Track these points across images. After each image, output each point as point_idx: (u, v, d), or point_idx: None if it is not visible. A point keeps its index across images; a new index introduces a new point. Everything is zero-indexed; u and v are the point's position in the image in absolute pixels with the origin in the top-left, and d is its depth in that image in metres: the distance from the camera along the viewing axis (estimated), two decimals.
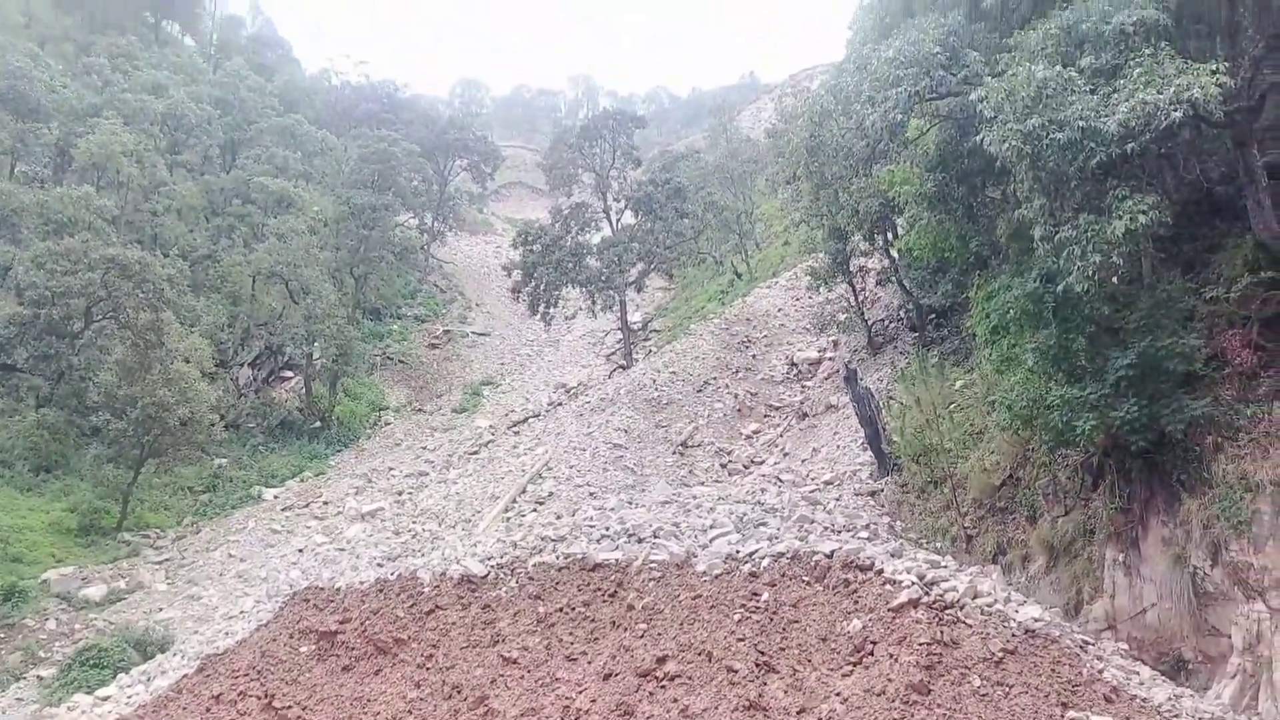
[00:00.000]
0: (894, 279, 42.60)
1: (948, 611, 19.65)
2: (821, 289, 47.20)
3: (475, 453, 51.87)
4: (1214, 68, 18.21)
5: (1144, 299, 20.49)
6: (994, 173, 23.63)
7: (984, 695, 17.72)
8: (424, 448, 56.06)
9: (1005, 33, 23.89)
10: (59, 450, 46.48)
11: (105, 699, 28.26)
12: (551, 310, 62.25)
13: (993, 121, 20.11)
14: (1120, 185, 18.94)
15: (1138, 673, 18.93)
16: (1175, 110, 17.72)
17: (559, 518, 32.29)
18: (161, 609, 36.15)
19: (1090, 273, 18.76)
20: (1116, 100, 18.51)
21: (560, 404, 58.09)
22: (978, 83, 22.05)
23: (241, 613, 32.52)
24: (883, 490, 31.57)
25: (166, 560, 41.85)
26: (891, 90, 24.31)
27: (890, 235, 41.60)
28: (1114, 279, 19.29)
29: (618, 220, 65.79)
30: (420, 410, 64.80)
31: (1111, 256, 18.51)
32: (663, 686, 20.15)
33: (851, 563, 21.93)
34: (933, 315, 40.00)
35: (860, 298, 45.78)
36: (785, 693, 18.92)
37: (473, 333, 78.30)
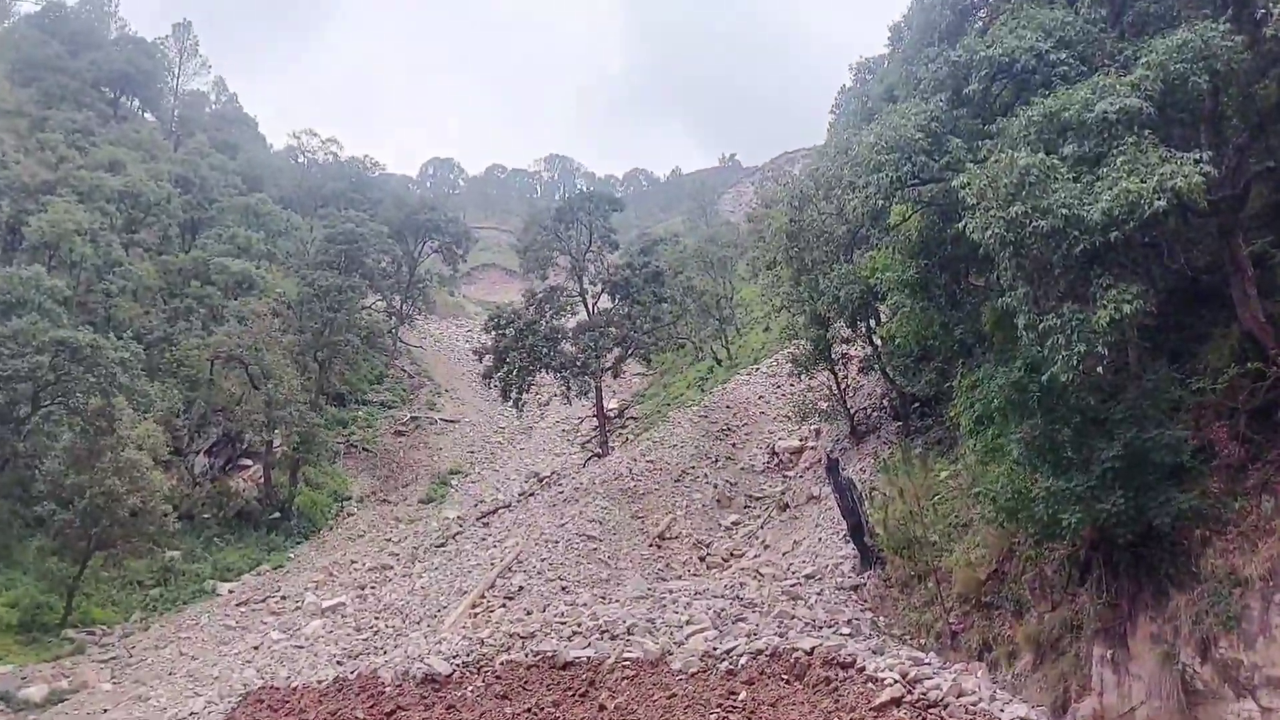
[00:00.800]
0: (877, 367, 43.08)
1: (931, 711, 19.62)
2: (803, 376, 47.60)
3: (442, 545, 51.40)
4: (1198, 156, 18.78)
5: (1130, 389, 20.87)
6: (977, 260, 24.18)
7: None
8: (388, 540, 55.54)
9: (987, 119, 24.62)
10: (0, 542, 45.71)
11: None
12: (524, 396, 62.32)
13: (975, 208, 20.61)
14: (1104, 274, 19.35)
15: None
16: (1159, 199, 18.18)
17: (529, 613, 32.04)
18: (106, 710, 35.24)
19: (1075, 362, 19.08)
20: (1100, 188, 19.06)
21: (532, 494, 57.82)
22: (960, 169, 22.62)
23: (191, 714, 31.82)
24: (865, 584, 31.57)
25: (113, 659, 40.94)
26: (873, 175, 24.95)
27: (873, 322, 42.16)
28: (1099, 369, 19.66)
29: (594, 304, 66.32)
30: (385, 500, 64.33)
31: (1096, 346, 18.85)
32: None
33: (833, 660, 21.90)
34: (916, 404, 40.38)
35: (842, 386, 46.17)
36: None
37: (441, 419, 78.16)
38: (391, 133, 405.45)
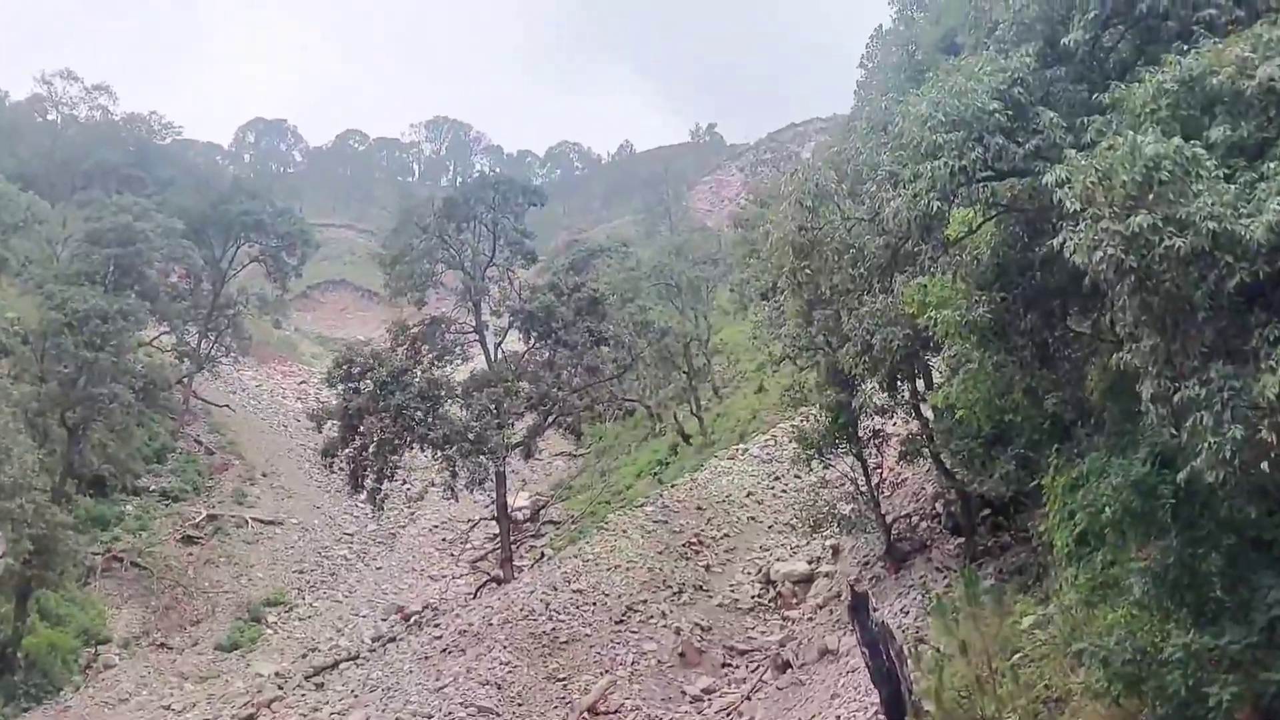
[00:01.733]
0: (927, 452, 43.07)
1: None
2: (815, 464, 47.53)
3: (251, 718, 50.50)
4: None
5: None
6: (1080, 294, 24.19)
7: None
8: (167, 709, 54.44)
9: (1097, 84, 24.73)
10: None
11: None
12: (386, 487, 61.75)
13: (1079, 217, 20.64)
14: (1274, 321, 19.39)
15: None
16: None
17: None
18: None
19: (1228, 454, 18.99)
20: (1265, 193, 19.15)
21: (395, 639, 57.10)
22: (1055, 157, 22.66)
23: None
24: None
25: None
26: (926, 164, 24.91)
27: (921, 384, 42.14)
28: (1265, 464, 19.64)
29: (498, 346, 66.11)
30: (164, 645, 63.12)
31: (1260, 430, 18.83)
32: None
33: None
34: (987, 511, 40.36)
35: (875, 480, 46.12)
36: None
37: (255, 520, 77.16)
38: (199, 84, 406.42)
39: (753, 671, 45.14)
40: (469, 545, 72.29)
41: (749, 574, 52.20)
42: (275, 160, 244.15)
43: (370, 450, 60.30)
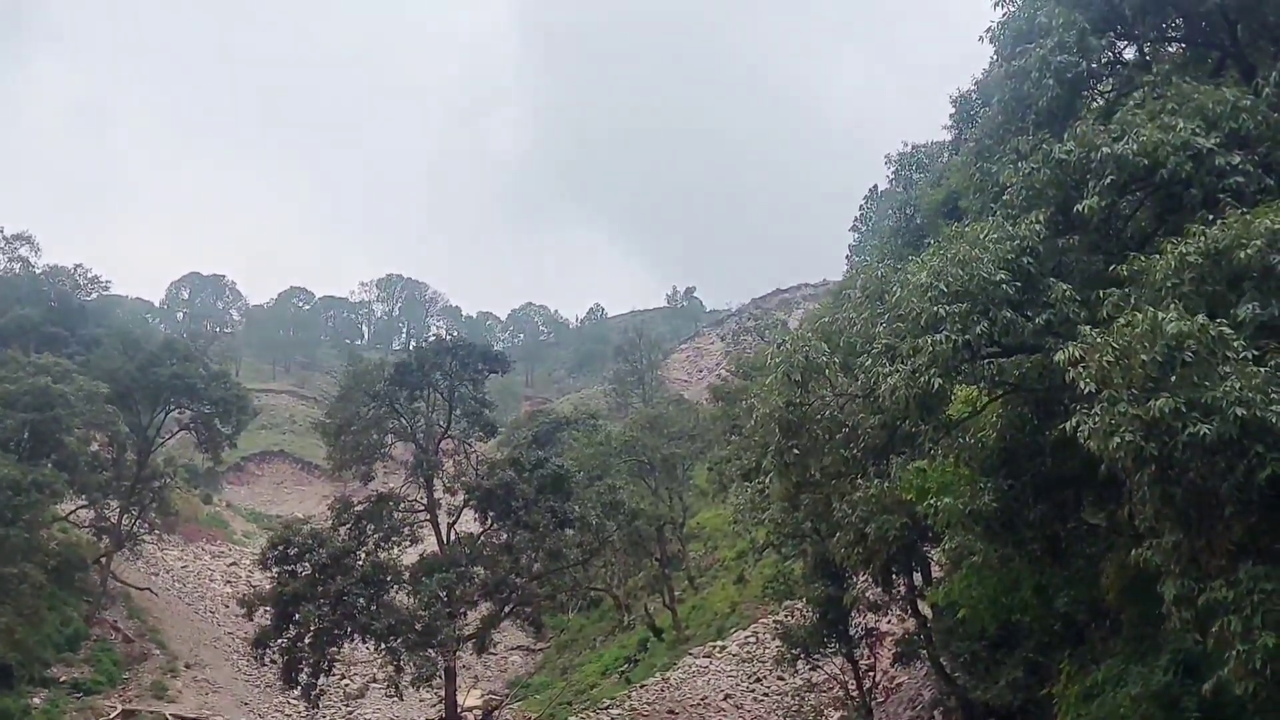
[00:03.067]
0: (925, 655, 42.78)
1: None
2: (800, 665, 47.17)
3: None
4: None
5: None
6: (1096, 484, 24.21)
7: None
8: None
9: (1113, 255, 25.00)
10: None
11: None
12: (323, 682, 60.88)
13: (1094, 399, 20.72)
14: None
15: None
16: None
17: None
18: None
19: (1259, 663, 18.90)
20: None
21: None
22: (1068, 333, 22.81)
23: None
24: None
25: None
26: (926, 338, 25.04)
27: (920, 578, 41.97)
28: None
29: (451, 526, 65.71)
30: None
31: None
32: None
33: None
34: None
35: (868, 684, 45.73)
36: None
37: (175, 716, 75.91)
38: (128, 236, 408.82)
39: None
40: None
41: None
42: (211, 319, 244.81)
43: (306, 641, 59.50)
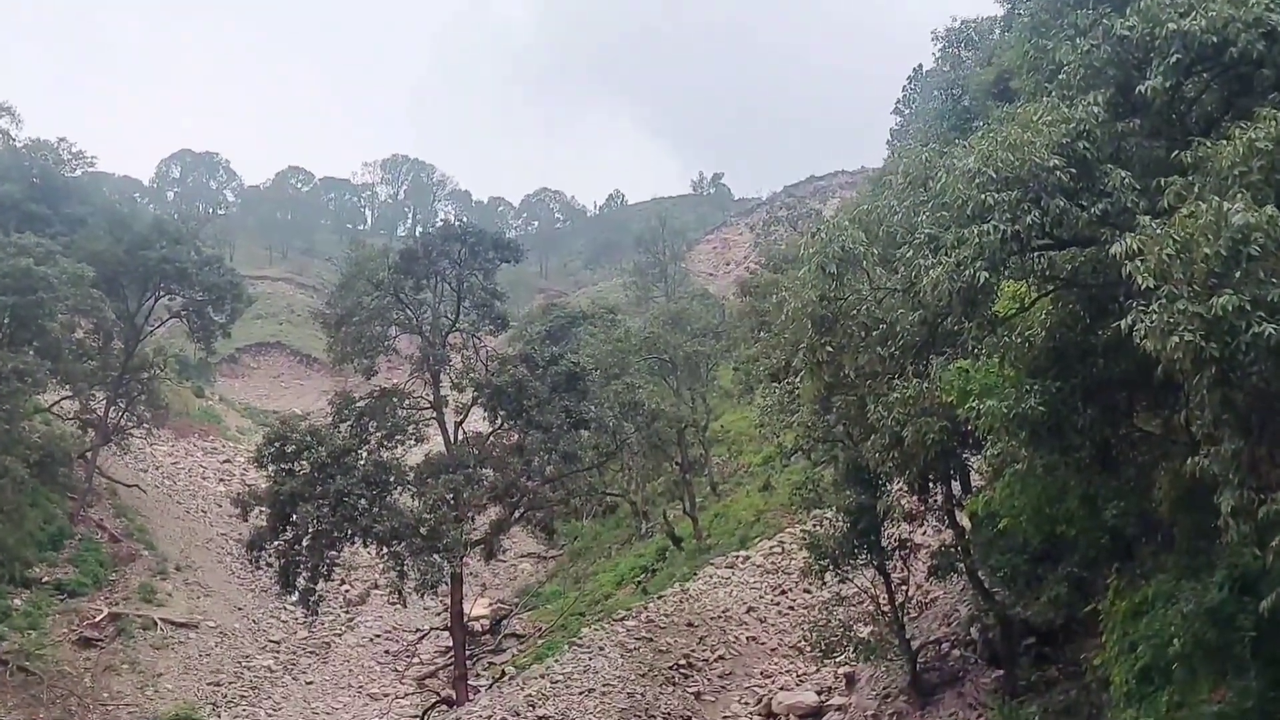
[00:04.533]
0: (962, 567, 42.91)
1: None
2: (828, 577, 47.31)
3: None
4: None
5: None
6: (1151, 387, 24.16)
7: None
8: None
9: (1177, 140, 24.79)
10: None
11: None
12: (322, 587, 61.34)
13: (1151, 296, 20.61)
14: None
15: None
16: None
17: None
18: None
19: None
20: None
21: None
22: (1126, 224, 22.68)
23: None
24: None
25: None
26: (973, 228, 24.93)
27: (958, 487, 42.01)
28: None
29: (459, 425, 65.90)
30: None
31: None
32: None
33: None
34: (1031, 640, 40.16)
35: (900, 598, 45.93)
36: None
37: (165, 620, 76.54)
38: (117, 109, 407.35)
39: None
40: (416, 659, 71.84)
41: (747, 704, 51.83)
42: (204, 199, 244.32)
43: (304, 544, 59.91)
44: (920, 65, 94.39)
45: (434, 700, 61.70)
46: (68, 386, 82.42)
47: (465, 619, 63.62)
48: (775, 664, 54.29)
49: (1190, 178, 22.62)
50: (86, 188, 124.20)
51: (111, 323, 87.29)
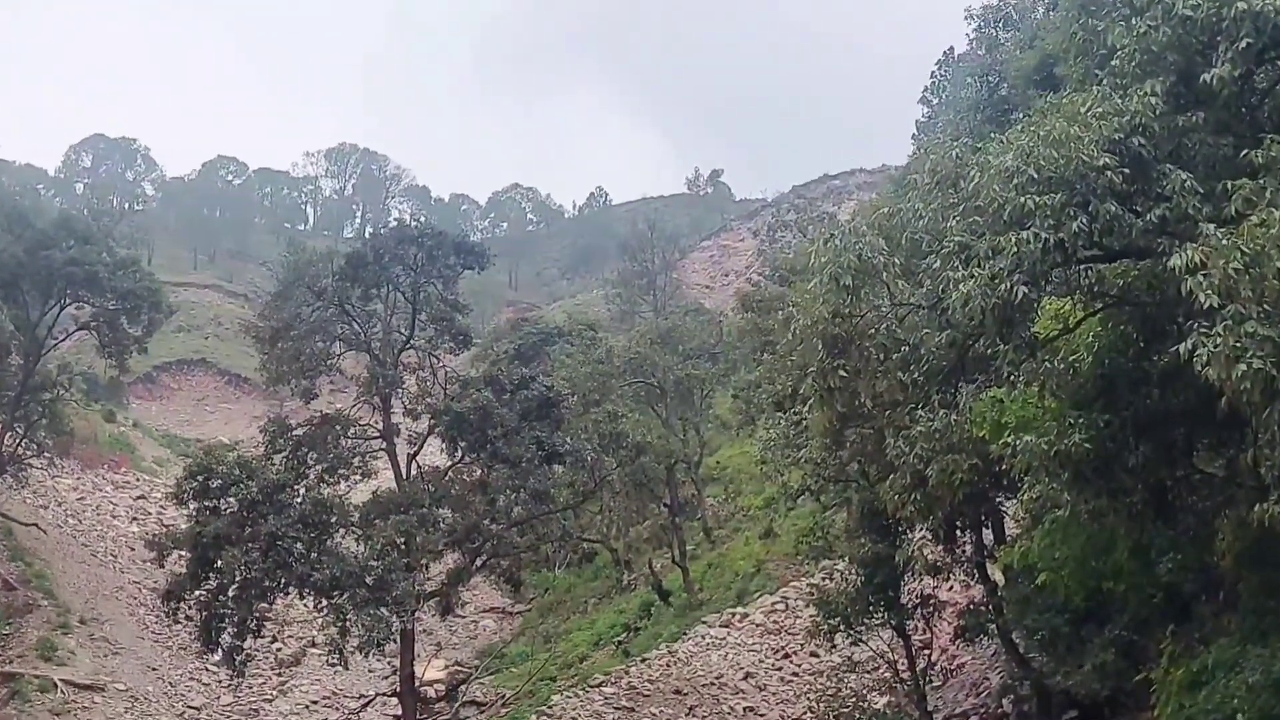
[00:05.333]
0: (994, 628, 43.05)
1: None
2: (839, 639, 47.49)
3: None
4: None
5: None
6: (1214, 422, 24.29)
7: None
8: None
9: (1246, 138, 24.97)
10: None
11: None
12: (249, 645, 61.34)
13: (1215, 316, 20.75)
14: None
15: None
16: None
17: None
18: None
19: None
20: None
21: None
22: (1187, 233, 22.86)
23: None
24: None
25: None
26: (1010, 235, 25.09)
27: (990, 536, 42.20)
28: None
29: (412, 458, 65.98)
30: None
31: None
32: None
33: None
34: (1074, 713, 40.29)
35: (922, 664, 46.09)
36: None
37: (66, 682, 76.56)
38: (20, 89, 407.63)
39: None
40: None
41: None
42: (119, 192, 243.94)
43: (230, 594, 59.76)
44: (951, 48, 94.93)
45: None
46: None
47: (417, 684, 63.57)
48: None
49: (1261, 180, 22.77)
50: None
51: (8, 334, 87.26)
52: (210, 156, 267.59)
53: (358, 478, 63.70)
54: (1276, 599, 22.35)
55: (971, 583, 43.85)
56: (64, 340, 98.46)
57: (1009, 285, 24.91)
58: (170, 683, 78.43)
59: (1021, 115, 30.01)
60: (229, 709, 75.85)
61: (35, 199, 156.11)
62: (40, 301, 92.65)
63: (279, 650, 75.16)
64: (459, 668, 77.72)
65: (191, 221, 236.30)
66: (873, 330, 32.54)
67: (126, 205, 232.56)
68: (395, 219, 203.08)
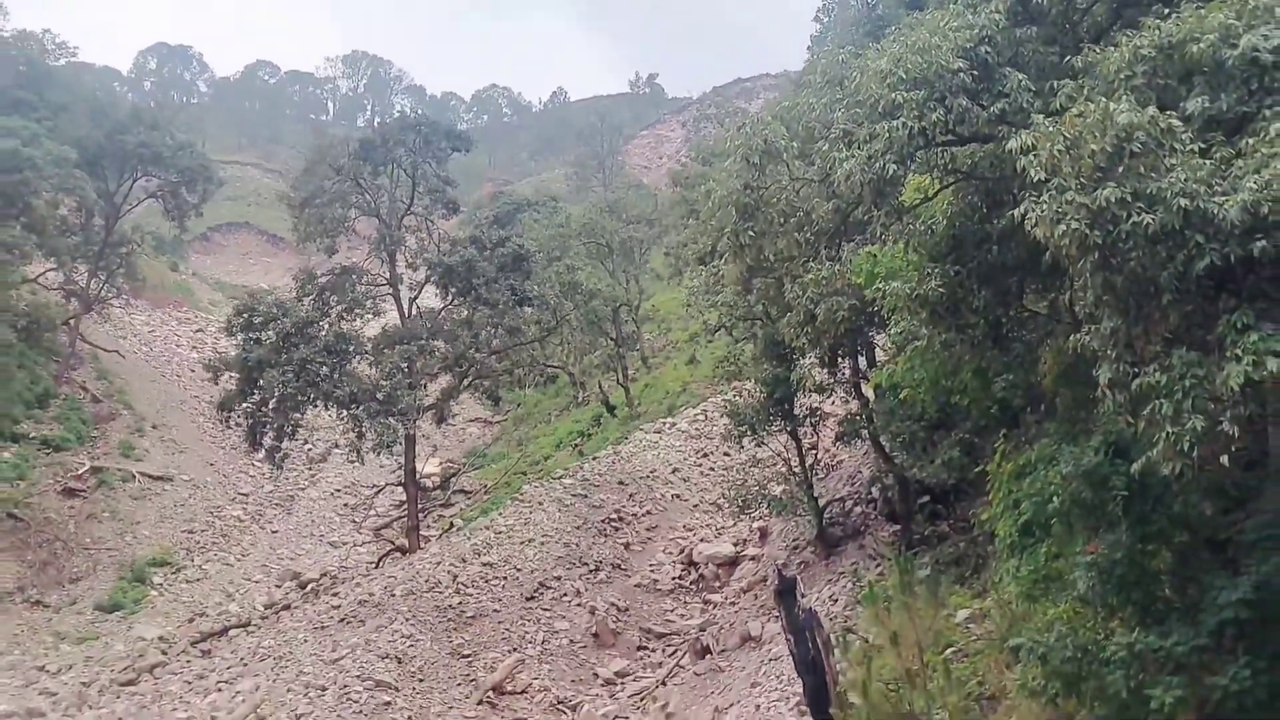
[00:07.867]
0: (866, 433, 43.24)
1: None
2: (746, 442, 47.57)
3: (131, 684, 50.07)
4: None
5: (1271, 494, 21.03)
6: (1040, 271, 24.30)
7: None
8: (41, 669, 53.91)
9: (1069, 47, 24.79)
10: None
11: None
12: (286, 445, 61.32)
13: (1042, 188, 20.64)
14: (1241, 307, 19.33)
15: None
16: None
17: None
18: None
19: (1186, 445, 18.95)
20: (1242, 170, 19.14)
21: (290, 606, 56.83)
22: (1021, 122, 22.69)
23: None
24: None
25: None
26: (883, 124, 24.91)
27: (864, 361, 42.25)
28: (1224, 459, 19.66)
29: (412, 301, 65.74)
30: (39, 603, 62.47)
31: (1221, 421, 18.79)
32: None
33: None
34: (926, 498, 40.60)
35: (810, 461, 46.27)
36: None
37: (143, 474, 76.38)
38: (104, 6, 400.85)
39: (670, 656, 45.23)
40: (373, 512, 72.00)
41: (670, 554, 52.28)
42: (178, 90, 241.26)
43: (270, 406, 59.80)
44: None
45: (389, 548, 61.94)
46: (52, 259, 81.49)
47: (417, 476, 63.74)
48: (697, 518, 54.72)
49: (1080, 81, 22.66)
50: (69, 77, 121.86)
51: (93, 201, 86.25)
52: (251, 61, 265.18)
53: (370, 316, 63.64)
54: (1085, 409, 22.44)
55: (849, 398, 43.85)
56: (136, 206, 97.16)
57: (882, 164, 24.87)
58: (224, 474, 78.42)
59: (894, 29, 29.68)
60: (270, 495, 76.03)
61: (112, 95, 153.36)
62: (117, 176, 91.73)
63: (309, 450, 75.27)
64: (450, 464, 77.85)
65: (236, 113, 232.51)
66: (775, 200, 32.40)
67: (185, 100, 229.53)
68: (398, 112, 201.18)
